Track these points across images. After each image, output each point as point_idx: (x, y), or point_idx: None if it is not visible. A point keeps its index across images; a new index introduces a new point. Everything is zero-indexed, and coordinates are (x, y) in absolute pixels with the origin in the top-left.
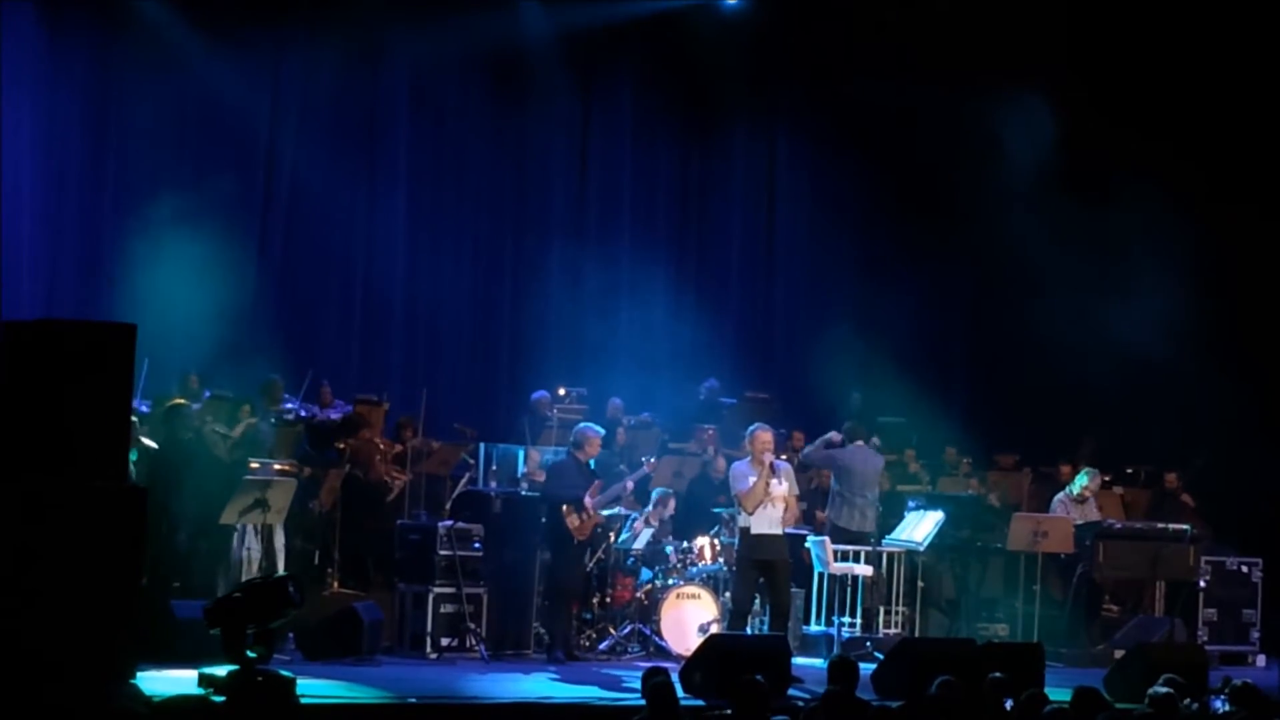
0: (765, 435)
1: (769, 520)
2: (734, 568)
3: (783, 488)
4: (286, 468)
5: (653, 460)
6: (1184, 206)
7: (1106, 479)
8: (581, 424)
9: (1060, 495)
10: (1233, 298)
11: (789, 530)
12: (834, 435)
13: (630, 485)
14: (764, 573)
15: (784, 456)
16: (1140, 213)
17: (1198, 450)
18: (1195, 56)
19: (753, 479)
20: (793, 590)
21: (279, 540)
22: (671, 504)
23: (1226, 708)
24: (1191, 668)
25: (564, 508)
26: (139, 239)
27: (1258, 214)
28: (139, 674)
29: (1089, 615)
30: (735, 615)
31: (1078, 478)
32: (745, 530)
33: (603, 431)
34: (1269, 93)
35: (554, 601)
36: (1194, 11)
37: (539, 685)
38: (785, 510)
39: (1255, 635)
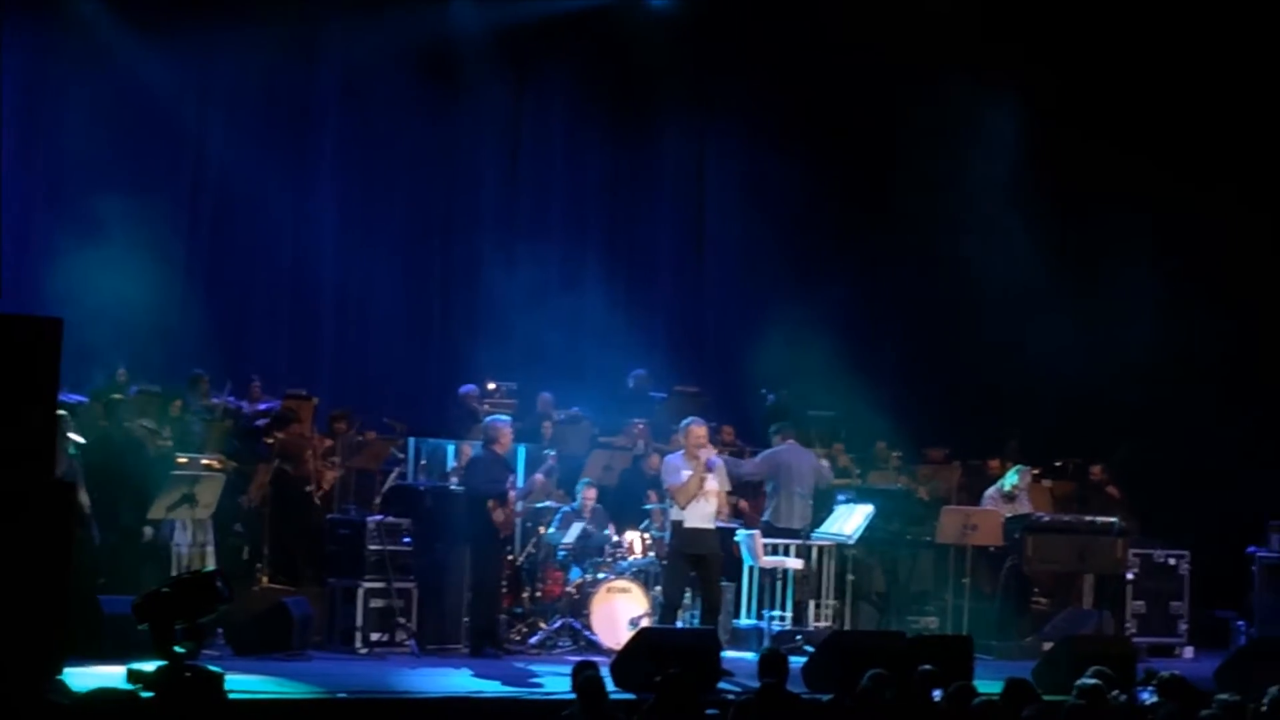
0: (699, 430)
1: (701, 514)
2: (665, 561)
3: (714, 483)
4: (215, 463)
5: (553, 454)
6: (1115, 208)
7: (1036, 472)
8: (489, 417)
9: (991, 490)
10: (1157, 295)
11: (720, 524)
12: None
13: (540, 478)
14: (695, 566)
15: (715, 451)
16: (1070, 214)
17: (1120, 442)
18: (1132, 56)
19: (686, 473)
20: (723, 584)
21: (208, 535)
22: (593, 494)
23: (1154, 699)
24: (1120, 659)
25: (489, 503)
26: (68, 233)
27: (1179, 214)
28: (67, 669)
29: (1018, 608)
30: (666, 609)
31: (1008, 475)
32: (677, 524)
33: (509, 419)
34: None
35: (480, 595)
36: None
37: (469, 680)
38: (719, 505)
39: (1183, 627)
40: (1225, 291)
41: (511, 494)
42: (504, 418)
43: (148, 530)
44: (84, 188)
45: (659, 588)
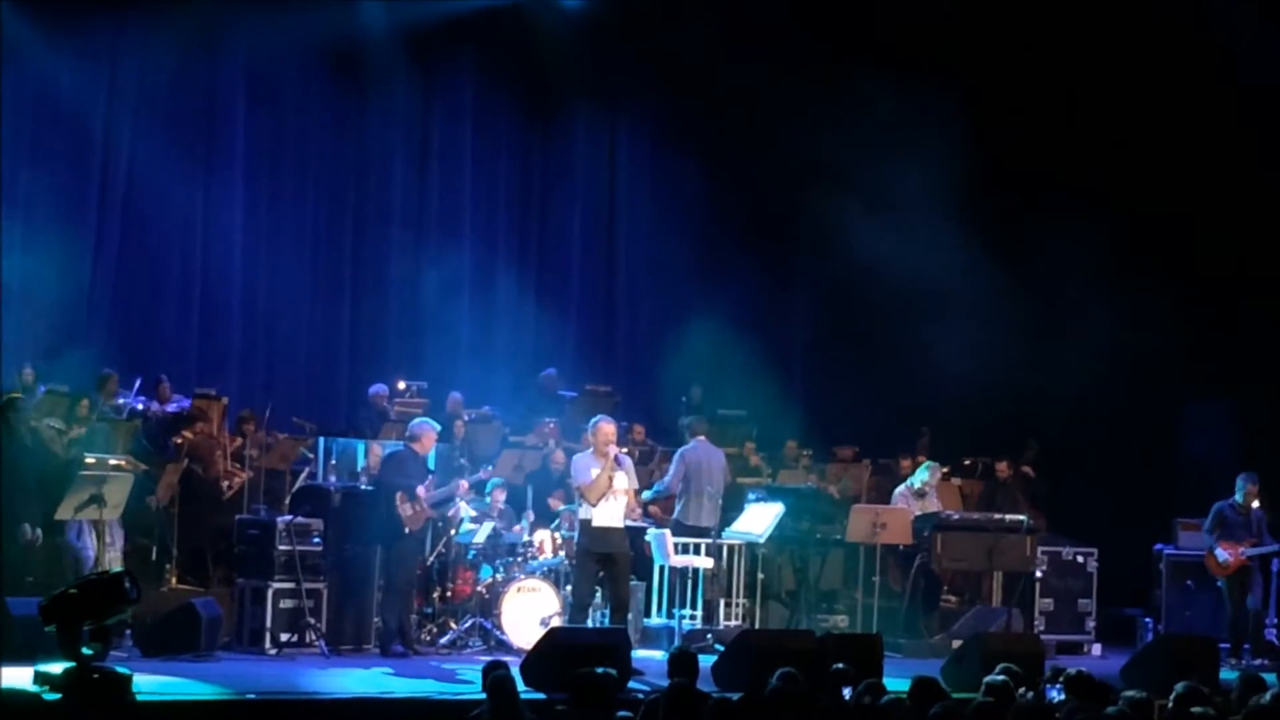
0: (608, 428)
1: (610, 513)
2: (574, 560)
3: (624, 481)
4: (123, 463)
5: (490, 468)
6: (1029, 205)
7: (945, 471)
8: (418, 418)
9: (901, 488)
10: (1069, 296)
11: (630, 523)
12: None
13: (465, 485)
14: (604, 566)
15: (624, 449)
16: (982, 211)
17: (1029, 440)
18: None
19: (595, 471)
20: (633, 583)
21: (116, 536)
22: (502, 494)
23: (1061, 697)
24: (1028, 657)
25: (398, 496)
26: None
27: (1098, 213)
28: None
29: (927, 606)
30: (576, 608)
31: (918, 472)
32: (586, 523)
33: (439, 427)
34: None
35: (390, 594)
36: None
37: (379, 680)
38: (625, 503)
39: (1091, 624)
40: (1137, 295)
41: (422, 491)
42: (434, 423)
43: (25, 529)
44: None
45: (569, 587)
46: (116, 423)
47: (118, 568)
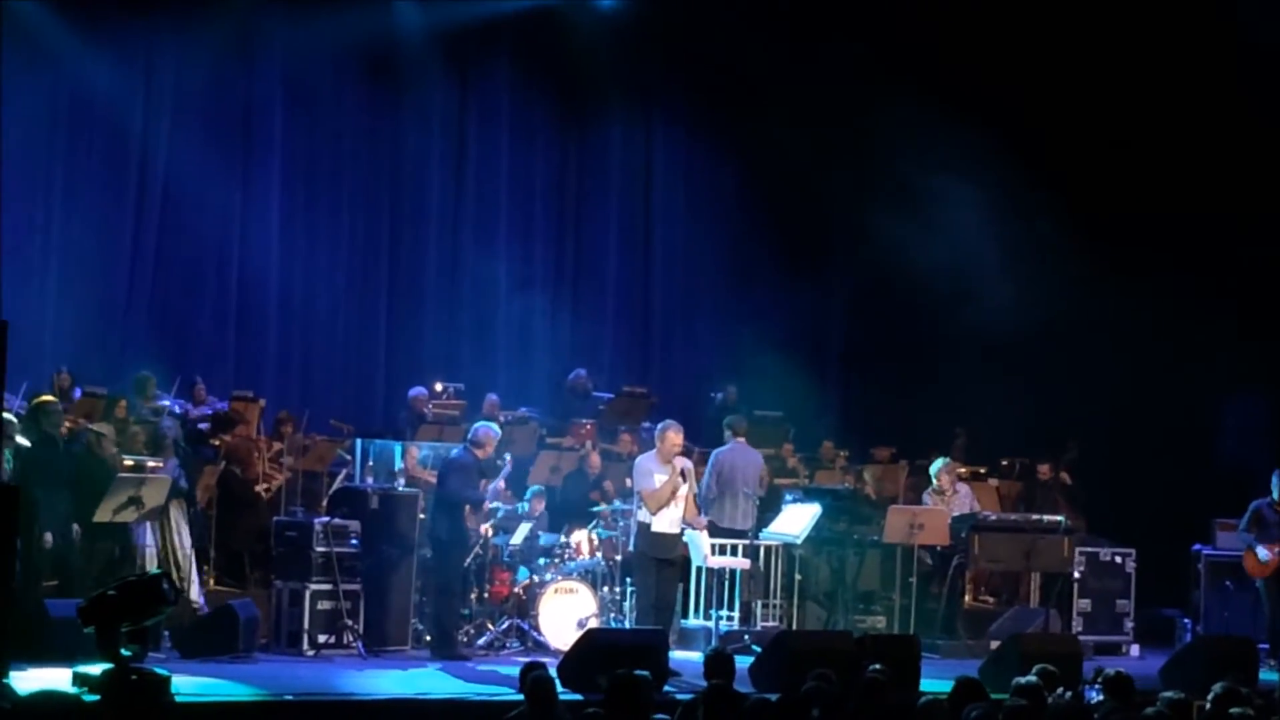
0: (676, 436)
1: (670, 519)
2: (634, 565)
3: (684, 488)
4: (160, 465)
5: (509, 457)
6: (1060, 201)
7: (981, 471)
8: (479, 423)
9: (927, 490)
10: (1101, 286)
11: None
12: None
13: (501, 485)
14: (659, 568)
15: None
16: (1006, 209)
17: (1069, 442)
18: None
19: (659, 478)
20: None
21: (180, 537)
22: (541, 504)
23: (1100, 698)
24: (1066, 658)
25: (467, 508)
26: (11, 235)
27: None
28: (12, 672)
29: (964, 607)
30: (646, 610)
31: (931, 468)
32: (645, 527)
33: (499, 431)
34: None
35: (448, 598)
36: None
37: (417, 681)
38: (686, 507)
39: (1129, 625)
40: (1174, 293)
41: (485, 505)
42: (495, 427)
43: (47, 537)
44: (27, 190)
45: (606, 588)
46: (154, 424)
47: (155, 569)
